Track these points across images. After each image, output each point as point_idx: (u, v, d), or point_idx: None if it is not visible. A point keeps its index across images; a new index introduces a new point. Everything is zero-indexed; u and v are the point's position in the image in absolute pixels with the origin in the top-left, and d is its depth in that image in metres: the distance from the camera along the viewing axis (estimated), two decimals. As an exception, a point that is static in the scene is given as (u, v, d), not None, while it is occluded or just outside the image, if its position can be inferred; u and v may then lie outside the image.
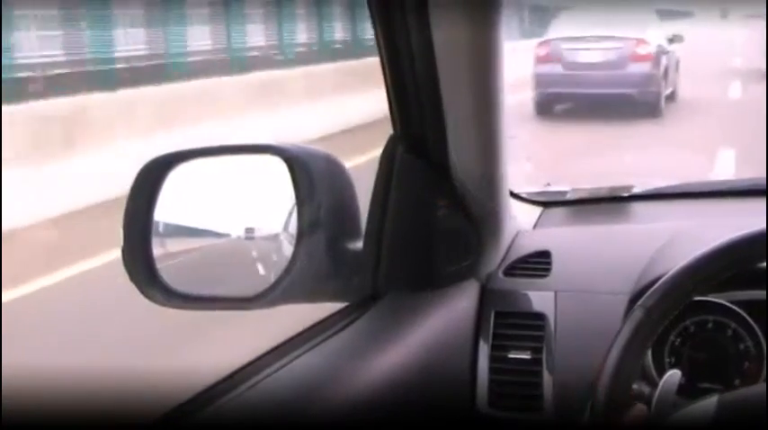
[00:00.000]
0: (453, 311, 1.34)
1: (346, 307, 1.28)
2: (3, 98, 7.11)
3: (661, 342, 1.33)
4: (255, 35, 12.56)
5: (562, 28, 10.52)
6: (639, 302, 1.08)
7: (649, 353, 1.32)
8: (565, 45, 10.07)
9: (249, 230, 1.18)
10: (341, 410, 1.09)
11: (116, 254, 1.15)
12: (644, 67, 9.81)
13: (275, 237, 1.18)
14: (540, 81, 9.96)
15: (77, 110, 7.63)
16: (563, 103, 9.98)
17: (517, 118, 8.38)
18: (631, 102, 9.30)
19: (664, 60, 10.23)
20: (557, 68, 9.93)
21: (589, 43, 9.96)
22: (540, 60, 10.13)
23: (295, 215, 1.14)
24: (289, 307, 1.17)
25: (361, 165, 1.53)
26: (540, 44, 10.37)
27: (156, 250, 1.15)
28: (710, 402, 1.04)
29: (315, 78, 10.94)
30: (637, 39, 9.99)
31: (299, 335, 1.20)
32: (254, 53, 12.29)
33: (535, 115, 9.61)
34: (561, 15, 11.11)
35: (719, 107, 9.22)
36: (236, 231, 1.19)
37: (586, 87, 9.61)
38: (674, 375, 1.11)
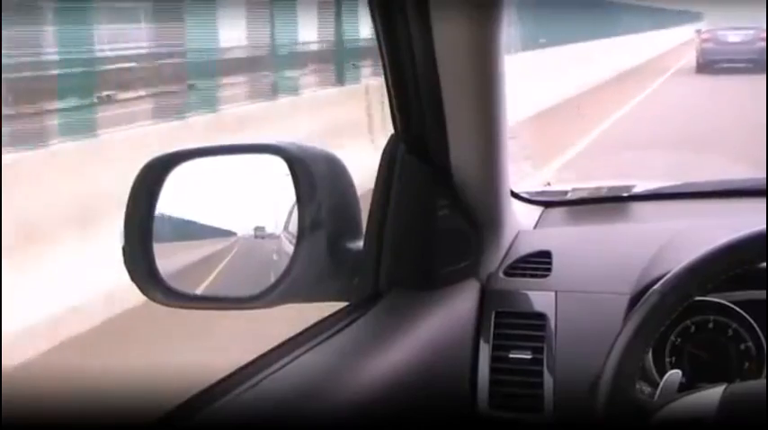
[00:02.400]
0: (454, 311, 1.34)
1: (347, 306, 1.28)
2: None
3: (661, 342, 1.33)
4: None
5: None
6: (645, 297, 1.09)
7: (650, 353, 1.32)
8: (720, 31, 17.52)
9: (259, 229, 1.18)
10: (341, 410, 1.09)
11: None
12: (765, 44, 16.06)
13: (276, 236, 1.18)
14: (703, 52, 17.34)
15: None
16: (715, 64, 16.84)
17: (688, 73, 17.13)
18: (756, 63, 15.50)
19: (775, 41, 17.63)
20: (712, 45, 17.33)
21: (735, 30, 17.27)
22: (704, 41, 17.61)
23: (295, 215, 1.14)
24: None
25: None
26: (704, 32, 18.05)
27: (156, 249, 1.16)
28: (716, 392, 1.05)
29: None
30: (761, 28, 16.41)
31: (300, 334, 1.20)
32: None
33: (696, 72, 17.13)
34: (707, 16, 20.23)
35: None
36: (237, 231, 1.19)
37: (730, 55, 16.83)
38: (674, 375, 1.12)
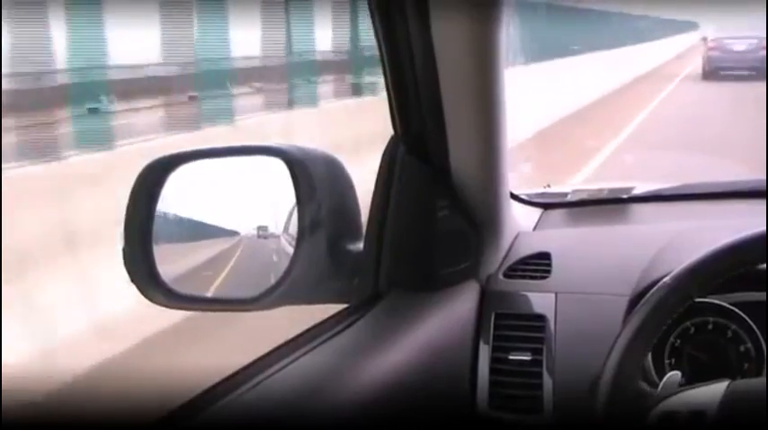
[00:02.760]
0: (454, 313, 1.34)
1: (347, 308, 1.28)
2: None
3: (661, 343, 1.34)
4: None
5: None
6: (645, 298, 1.09)
7: (650, 354, 1.32)
8: (725, 40, 18.12)
9: (262, 229, 1.18)
10: (341, 411, 1.09)
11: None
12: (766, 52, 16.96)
13: (276, 238, 1.18)
14: (709, 60, 18.15)
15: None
16: (721, 71, 17.60)
17: (694, 79, 17.78)
18: (758, 71, 16.10)
19: (777, 49, 18.13)
20: (718, 53, 18.03)
21: (739, 39, 17.94)
22: (710, 49, 18.31)
23: (295, 216, 1.15)
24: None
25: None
26: (710, 41, 18.57)
27: (161, 250, 1.16)
28: (719, 387, 1.05)
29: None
30: (764, 37, 17.18)
31: (300, 335, 1.20)
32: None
33: (702, 78, 17.83)
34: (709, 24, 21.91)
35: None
36: (240, 231, 1.19)
37: (735, 63, 17.56)
38: (674, 376, 1.12)
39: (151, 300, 1.15)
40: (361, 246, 1.25)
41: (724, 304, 1.34)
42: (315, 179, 1.15)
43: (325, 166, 1.19)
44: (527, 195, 1.70)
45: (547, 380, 1.31)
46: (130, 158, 4.57)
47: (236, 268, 1.19)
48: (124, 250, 1.15)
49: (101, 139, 5.18)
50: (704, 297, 1.32)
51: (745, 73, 16.93)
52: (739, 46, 18.02)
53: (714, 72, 17.96)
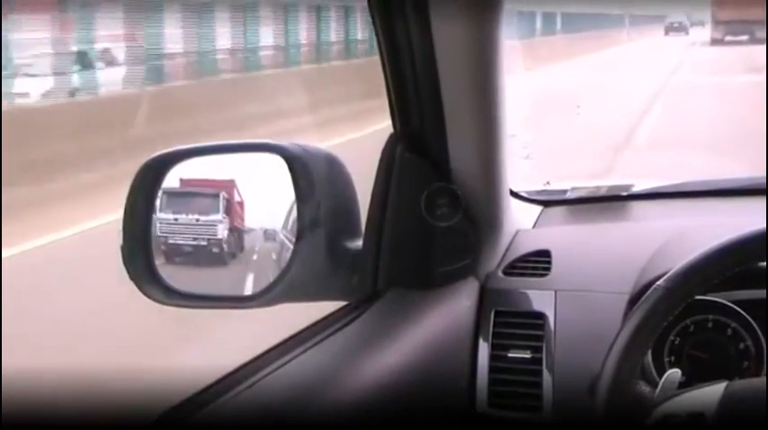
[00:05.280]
0: (453, 310, 1.34)
1: (346, 306, 1.28)
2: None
3: (661, 341, 1.33)
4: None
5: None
6: (644, 296, 1.09)
7: (649, 352, 1.32)
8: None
9: (269, 232, 1.18)
10: (340, 409, 1.09)
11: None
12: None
13: (274, 235, 1.18)
14: (713, 32, 24.64)
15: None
16: (727, 37, 23.71)
17: (704, 44, 24.39)
18: (748, 35, 22.43)
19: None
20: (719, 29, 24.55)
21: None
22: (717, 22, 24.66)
23: (294, 213, 1.14)
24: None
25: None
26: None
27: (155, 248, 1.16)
28: (717, 388, 1.05)
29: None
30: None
31: (299, 333, 1.20)
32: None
33: (710, 44, 23.83)
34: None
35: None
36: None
37: (732, 34, 23.51)
38: (674, 374, 1.12)
39: (149, 296, 1.15)
40: (360, 243, 1.25)
41: (724, 302, 1.34)
42: (314, 176, 1.14)
43: (324, 164, 1.19)
44: (526, 193, 1.70)
45: (546, 378, 1.31)
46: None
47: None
48: (122, 247, 1.15)
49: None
50: (704, 295, 1.32)
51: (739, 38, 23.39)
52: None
53: (723, 38, 24.54)
